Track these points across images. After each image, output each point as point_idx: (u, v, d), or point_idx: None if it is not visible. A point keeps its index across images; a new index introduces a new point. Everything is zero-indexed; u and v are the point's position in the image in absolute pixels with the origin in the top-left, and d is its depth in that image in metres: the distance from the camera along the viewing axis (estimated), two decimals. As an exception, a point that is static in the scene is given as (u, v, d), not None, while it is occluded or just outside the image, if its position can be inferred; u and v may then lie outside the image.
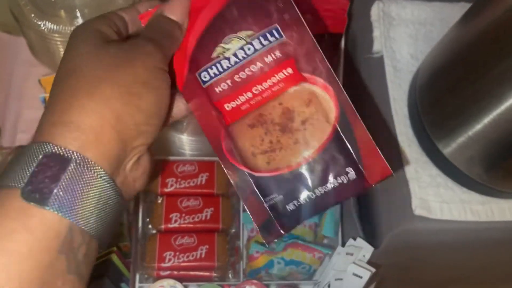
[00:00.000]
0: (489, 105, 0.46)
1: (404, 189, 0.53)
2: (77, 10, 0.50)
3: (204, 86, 0.31)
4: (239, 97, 0.31)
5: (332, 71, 0.31)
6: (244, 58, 0.31)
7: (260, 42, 0.31)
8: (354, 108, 0.31)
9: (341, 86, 0.31)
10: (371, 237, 0.54)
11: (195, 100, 0.32)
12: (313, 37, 0.30)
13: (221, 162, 0.31)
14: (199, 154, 0.58)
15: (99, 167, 0.26)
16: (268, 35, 0.31)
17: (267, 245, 0.34)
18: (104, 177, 0.26)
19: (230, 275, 0.53)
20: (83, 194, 0.25)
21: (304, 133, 0.31)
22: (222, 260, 0.51)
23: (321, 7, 0.51)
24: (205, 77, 0.31)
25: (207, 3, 0.31)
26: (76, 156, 0.25)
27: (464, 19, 0.51)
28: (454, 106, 0.50)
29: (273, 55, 0.31)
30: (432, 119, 0.53)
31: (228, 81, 0.31)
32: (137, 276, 0.52)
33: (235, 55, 0.31)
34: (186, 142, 0.58)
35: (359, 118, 0.31)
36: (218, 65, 0.31)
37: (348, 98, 0.31)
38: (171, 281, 0.50)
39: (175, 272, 0.51)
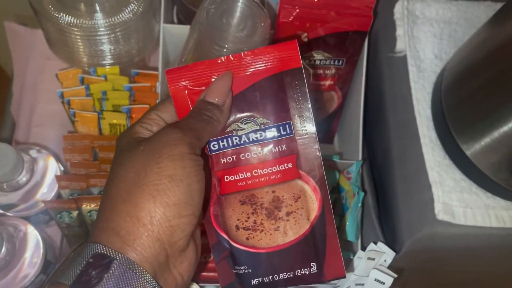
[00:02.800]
0: (519, 108, 0.45)
1: (427, 193, 0.52)
2: (97, 4, 0.49)
3: (210, 154, 0.34)
4: (239, 174, 0.34)
5: (325, 177, 0.34)
6: (254, 141, 0.33)
7: (272, 133, 0.33)
8: (331, 209, 0.34)
9: (328, 192, 0.34)
10: (391, 242, 0.53)
11: None
12: (318, 143, 0.34)
13: (205, 222, 0.35)
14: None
15: (140, 268, 0.27)
16: (281, 129, 0.33)
17: None
18: (145, 277, 0.27)
19: (247, 277, 0.52)
20: None
21: (286, 224, 0.34)
22: (240, 261, 0.50)
23: (347, 4, 0.50)
24: (214, 147, 0.33)
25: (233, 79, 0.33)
26: (118, 257, 0.26)
27: (495, 19, 0.50)
28: (482, 108, 0.49)
29: (279, 147, 0.34)
30: (457, 121, 0.52)
31: (234, 157, 0.34)
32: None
33: (247, 135, 0.33)
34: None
35: (333, 218, 0.34)
36: (229, 139, 0.33)
37: (330, 202, 0.34)
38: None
39: (192, 273, 0.50)
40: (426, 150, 0.54)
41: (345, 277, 0.34)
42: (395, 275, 0.46)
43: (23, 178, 0.50)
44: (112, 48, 0.50)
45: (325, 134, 0.62)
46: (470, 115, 0.50)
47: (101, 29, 0.47)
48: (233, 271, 0.35)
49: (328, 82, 0.55)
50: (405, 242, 0.51)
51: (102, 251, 0.27)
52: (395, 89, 0.57)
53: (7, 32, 0.64)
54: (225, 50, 0.45)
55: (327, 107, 0.58)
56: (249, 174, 0.34)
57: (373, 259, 0.48)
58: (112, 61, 0.52)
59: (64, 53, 0.53)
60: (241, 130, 0.33)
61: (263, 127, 0.33)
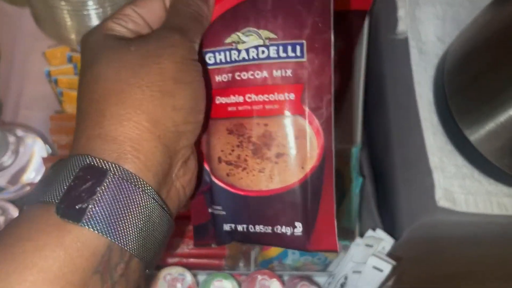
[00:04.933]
0: (524, 91, 0.43)
1: (427, 179, 0.50)
2: (85, -22, 0.47)
3: (207, 67, 0.29)
4: (231, 96, 0.28)
5: (333, 120, 0.27)
6: (254, 59, 0.27)
7: (277, 52, 0.27)
8: (333, 164, 0.27)
9: (333, 139, 0.27)
10: (390, 229, 0.51)
11: None
12: (332, 75, 0.27)
13: None
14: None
15: (140, 179, 0.23)
16: (290, 48, 0.27)
17: (194, 244, 0.33)
18: (146, 190, 0.23)
19: (241, 264, 0.50)
20: (122, 209, 0.22)
21: (274, 167, 0.28)
22: (233, 248, 0.48)
23: None
24: (210, 59, 0.28)
25: None
26: (113, 167, 0.23)
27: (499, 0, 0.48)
28: (485, 91, 0.47)
29: (283, 72, 0.27)
30: (460, 105, 0.50)
31: (229, 75, 0.28)
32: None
33: (247, 51, 0.28)
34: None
35: (334, 175, 0.27)
36: (227, 52, 0.28)
37: (333, 154, 0.27)
38: (180, 269, 0.47)
39: (184, 260, 0.48)
40: (427, 135, 0.52)
41: (337, 251, 0.27)
42: (394, 262, 0.45)
43: (8, 159, 0.48)
44: (101, 24, 0.48)
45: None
46: (473, 99, 0.49)
47: (89, 3, 0.45)
48: (209, 210, 0.30)
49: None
50: (404, 229, 0.49)
51: (93, 163, 0.23)
52: (395, 72, 0.56)
53: (-5, 11, 0.62)
54: None
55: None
56: (241, 98, 0.28)
57: (371, 246, 0.46)
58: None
59: (51, 30, 0.51)
60: (242, 43, 0.28)
61: (268, 43, 0.27)
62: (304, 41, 0.27)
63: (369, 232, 0.48)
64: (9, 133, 0.49)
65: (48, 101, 0.57)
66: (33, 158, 0.50)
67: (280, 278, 0.49)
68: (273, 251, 0.48)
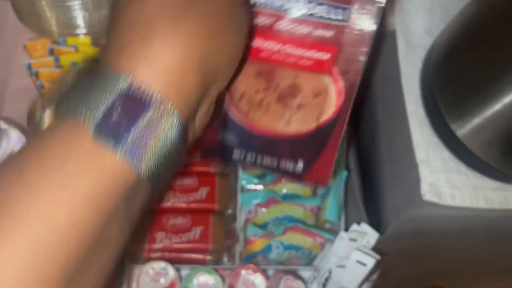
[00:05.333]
0: (510, 83, 0.43)
1: (413, 173, 0.50)
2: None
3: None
4: (268, 42, 0.29)
5: (356, 88, 0.30)
6: (298, 13, 0.29)
7: (323, 12, 0.28)
8: (345, 122, 0.31)
9: (350, 105, 0.30)
10: (376, 223, 0.51)
11: None
12: (369, 47, 0.29)
13: None
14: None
15: (179, 119, 0.22)
16: (334, 12, 0.28)
17: (201, 158, 0.36)
18: (181, 128, 0.22)
19: (225, 259, 0.50)
20: (155, 142, 0.21)
21: (292, 115, 0.31)
22: (217, 242, 0.48)
23: None
24: None
25: None
26: (158, 98, 0.21)
27: (486, -10, 0.47)
28: (472, 84, 0.47)
29: (324, 31, 0.28)
30: (446, 98, 0.50)
31: (269, 20, 0.29)
32: (127, 258, 0.48)
33: (294, 3, 0.28)
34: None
35: (343, 131, 0.31)
36: None
37: (347, 115, 0.31)
38: (162, 263, 0.47)
39: (167, 254, 0.48)
40: (414, 129, 0.51)
41: (326, 184, 0.34)
42: (378, 257, 0.44)
43: (-12, 153, 0.48)
44: (82, 16, 0.47)
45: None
46: (460, 92, 0.48)
47: (70, -7, 0.45)
48: (220, 134, 0.32)
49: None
50: (389, 223, 0.49)
51: (136, 90, 0.21)
52: (383, 65, 0.55)
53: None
54: None
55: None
56: (278, 47, 0.29)
57: (355, 240, 0.46)
58: (83, 31, 0.49)
59: (32, 22, 0.50)
60: None
61: (317, 2, 0.28)
62: (351, 7, 0.28)
63: (354, 226, 0.48)
64: (-10, 126, 0.48)
65: (31, 94, 0.56)
66: (16, 150, 0.50)
67: (264, 272, 0.49)
68: (257, 245, 0.48)
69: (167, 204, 0.49)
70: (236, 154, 0.32)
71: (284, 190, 0.50)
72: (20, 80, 0.58)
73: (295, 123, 0.31)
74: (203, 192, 0.50)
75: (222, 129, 0.32)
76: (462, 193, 0.50)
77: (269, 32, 0.29)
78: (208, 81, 0.23)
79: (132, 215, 0.23)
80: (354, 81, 0.30)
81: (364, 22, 0.28)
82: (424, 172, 0.49)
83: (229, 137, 0.32)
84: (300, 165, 0.32)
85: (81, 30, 0.49)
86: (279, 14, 0.29)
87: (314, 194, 0.51)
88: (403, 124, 0.52)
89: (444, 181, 0.50)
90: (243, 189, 0.51)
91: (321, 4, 0.28)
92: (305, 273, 0.51)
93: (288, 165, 0.32)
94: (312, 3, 0.28)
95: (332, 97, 0.30)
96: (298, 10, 0.28)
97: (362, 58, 0.29)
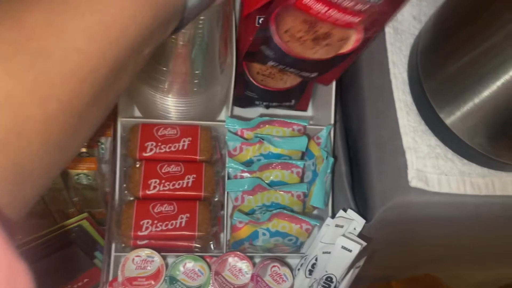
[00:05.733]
0: (497, 68, 0.43)
1: (400, 160, 0.49)
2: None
3: None
4: (318, 4, 0.39)
5: (371, 40, 0.44)
6: None
7: None
8: (355, 57, 0.47)
9: (363, 48, 0.45)
10: (363, 210, 0.51)
11: None
12: (386, 23, 0.45)
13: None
14: (185, 118, 0.54)
15: None
16: None
17: (244, 59, 0.47)
18: None
19: (212, 246, 0.49)
20: None
21: (319, 49, 0.44)
22: (204, 230, 0.48)
23: None
24: None
25: None
26: None
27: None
28: (458, 70, 0.47)
29: (361, 5, 0.39)
30: (433, 85, 0.49)
31: None
32: (113, 245, 0.48)
33: None
34: (171, 105, 0.54)
35: (352, 59, 0.47)
36: None
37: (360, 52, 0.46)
38: (148, 251, 0.47)
39: (153, 241, 0.48)
40: (401, 115, 0.51)
41: (328, 84, 0.50)
42: (364, 243, 0.44)
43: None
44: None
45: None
46: (446, 78, 0.48)
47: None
48: (262, 48, 0.44)
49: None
50: (376, 210, 0.49)
51: None
52: (370, 52, 0.55)
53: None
54: None
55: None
56: (325, 10, 0.39)
57: (342, 226, 0.46)
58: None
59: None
60: None
61: None
62: None
63: (340, 213, 0.48)
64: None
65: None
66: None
67: (251, 259, 0.49)
68: (244, 232, 0.48)
69: (153, 191, 0.48)
70: (271, 63, 0.45)
71: (271, 178, 0.50)
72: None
73: (320, 53, 0.44)
74: (189, 179, 0.49)
75: (264, 45, 0.43)
76: (449, 179, 0.49)
77: None
78: None
79: (144, 57, 0.25)
80: (371, 36, 0.43)
81: (390, 6, 0.40)
82: (411, 158, 0.49)
83: (269, 52, 0.44)
84: (315, 74, 0.48)
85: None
86: None
87: (301, 180, 0.51)
88: (390, 110, 0.52)
89: (431, 167, 0.49)
90: (229, 177, 0.50)
91: None
92: (293, 260, 0.51)
93: (306, 74, 0.47)
94: None
95: (351, 41, 0.44)
96: None
97: (385, 25, 0.44)
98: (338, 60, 0.46)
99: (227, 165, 0.50)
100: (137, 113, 0.57)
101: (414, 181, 0.48)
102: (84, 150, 0.49)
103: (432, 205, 0.50)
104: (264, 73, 0.53)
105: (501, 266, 0.78)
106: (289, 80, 0.55)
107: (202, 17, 0.40)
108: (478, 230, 0.56)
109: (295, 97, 0.58)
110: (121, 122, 0.50)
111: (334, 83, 0.52)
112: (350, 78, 0.58)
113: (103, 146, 0.51)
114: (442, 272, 0.83)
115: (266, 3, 0.41)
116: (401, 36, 0.55)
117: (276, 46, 0.43)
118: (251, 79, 0.54)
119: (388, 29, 0.54)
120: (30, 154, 0.20)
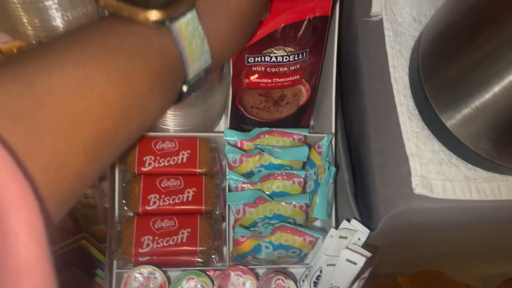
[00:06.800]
0: (499, 72, 0.42)
1: (404, 166, 0.49)
2: (37, -31, 0.44)
3: (246, 64, 0.47)
4: (264, 79, 0.48)
5: (317, 86, 0.52)
6: (280, 61, 0.47)
7: (294, 57, 0.47)
8: (314, 100, 0.53)
9: (315, 92, 0.53)
10: (367, 218, 0.50)
11: (237, 65, 0.48)
12: (321, 66, 0.50)
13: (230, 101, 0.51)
14: (183, 130, 0.53)
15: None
16: (300, 55, 0.47)
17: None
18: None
19: (214, 260, 0.49)
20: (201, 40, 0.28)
21: (283, 108, 0.52)
22: (206, 244, 0.47)
23: None
24: (250, 60, 0.47)
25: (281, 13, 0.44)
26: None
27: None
28: (461, 73, 0.45)
29: (295, 66, 0.48)
30: (435, 88, 0.48)
31: (263, 68, 0.48)
32: (115, 262, 0.48)
33: (276, 57, 0.47)
34: (169, 116, 0.53)
35: (313, 105, 0.54)
36: (263, 57, 0.47)
37: (314, 97, 0.53)
38: (150, 268, 0.46)
39: (155, 258, 0.47)
40: (403, 121, 0.50)
41: (308, 126, 0.55)
42: (369, 254, 0.43)
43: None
44: (58, 16, 0.46)
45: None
46: (448, 82, 0.47)
47: (43, -6, 0.43)
48: (241, 125, 0.53)
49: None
50: (381, 218, 0.48)
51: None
52: (370, 56, 0.54)
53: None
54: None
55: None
56: (270, 80, 0.48)
57: (345, 237, 0.45)
58: (59, 32, 0.47)
59: (5, 25, 0.48)
60: (273, 53, 0.46)
61: (289, 53, 0.47)
62: (308, 49, 0.47)
63: (344, 223, 0.47)
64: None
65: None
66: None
67: (254, 272, 0.48)
68: (246, 246, 0.47)
69: (153, 207, 0.48)
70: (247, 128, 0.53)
71: (273, 188, 0.49)
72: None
73: (285, 111, 0.52)
74: (189, 193, 0.48)
75: (242, 123, 0.52)
76: (454, 185, 0.49)
77: (264, 74, 0.48)
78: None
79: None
80: (315, 82, 0.51)
81: (315, 54, 0.48)
82: (415, 165, 0.48)
83: (248, 126, 0.52)
84: (291, 125, 0.53)
85: (57, 31, 0.47)
86: (268, 64, 0.47)
87: (303, 190, 0.50)
88: (392, 115, 0.51)
89: (435, 173, 0.48)
90: (230, 189, 0.50)
91: (293, 54, 0.47)
92: (297, 270, 0.51)
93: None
94: (287, 56, 0.47)
95: (304, 93, 0.52)
96: (280, 60, 0.47)
97: (318, 69, 0.50)
98: (302, 110, 0.53)
99: (227, 177, 0.49)
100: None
101: (418, 188, 0.47)
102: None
103: (436, 211, 0.49)
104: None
105: (509, 261, 0.77)
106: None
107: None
108: (484, 233, 0.55)
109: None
110: (118, 136, 0.49)
111: (334, 90, 0.51)
112: (351, 84, 0.57)
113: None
114: (448, 267, 0.83)
115: (253, 43, 0.46)
116: (401, 39, 0.54)
117: (250, 119, 0.52)
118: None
119: (388, 32, 0.53)
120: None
